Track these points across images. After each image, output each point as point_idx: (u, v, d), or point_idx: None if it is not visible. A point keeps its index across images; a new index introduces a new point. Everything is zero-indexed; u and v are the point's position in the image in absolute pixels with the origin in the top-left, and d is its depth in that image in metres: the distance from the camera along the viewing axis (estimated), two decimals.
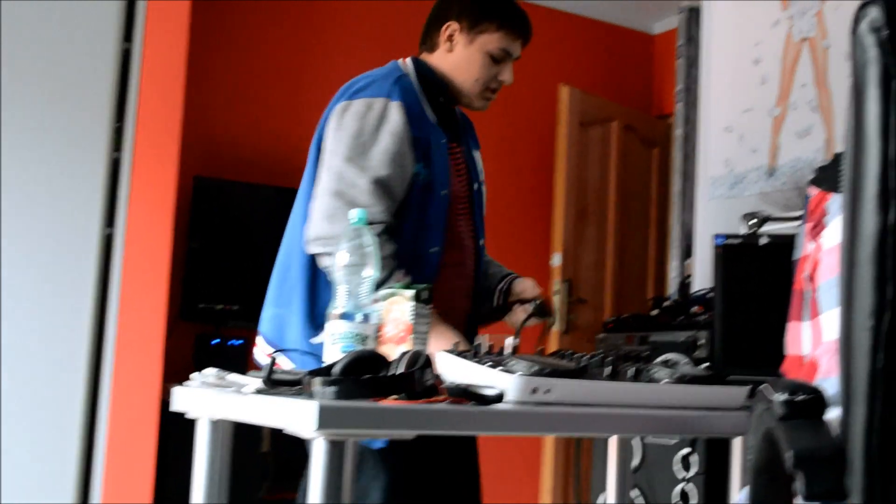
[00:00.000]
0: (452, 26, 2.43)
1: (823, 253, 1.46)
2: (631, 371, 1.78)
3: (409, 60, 2.47)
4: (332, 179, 2.25)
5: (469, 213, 2.47)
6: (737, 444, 2.28)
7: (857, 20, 0.98)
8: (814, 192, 1.57)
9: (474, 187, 2.49)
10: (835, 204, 1.48)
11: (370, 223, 2.19)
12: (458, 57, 2.43)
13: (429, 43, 2.49)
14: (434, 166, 2.33)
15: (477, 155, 2.56)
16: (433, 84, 2.42)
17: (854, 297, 0.99)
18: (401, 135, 2.27)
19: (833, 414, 1.09)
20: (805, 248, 1.58)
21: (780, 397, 1.11)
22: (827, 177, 1.53)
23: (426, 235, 2.32)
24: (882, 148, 0.95)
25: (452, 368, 1.73)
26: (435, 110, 2.41)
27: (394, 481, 2.25)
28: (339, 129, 2.30)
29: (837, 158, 1.52)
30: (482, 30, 2.41)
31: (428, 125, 2.36)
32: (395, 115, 2.28)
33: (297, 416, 1.40)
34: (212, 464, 1.85)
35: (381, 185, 2.24)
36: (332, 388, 1.44)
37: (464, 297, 2.47)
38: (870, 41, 0.96)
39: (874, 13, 0.96)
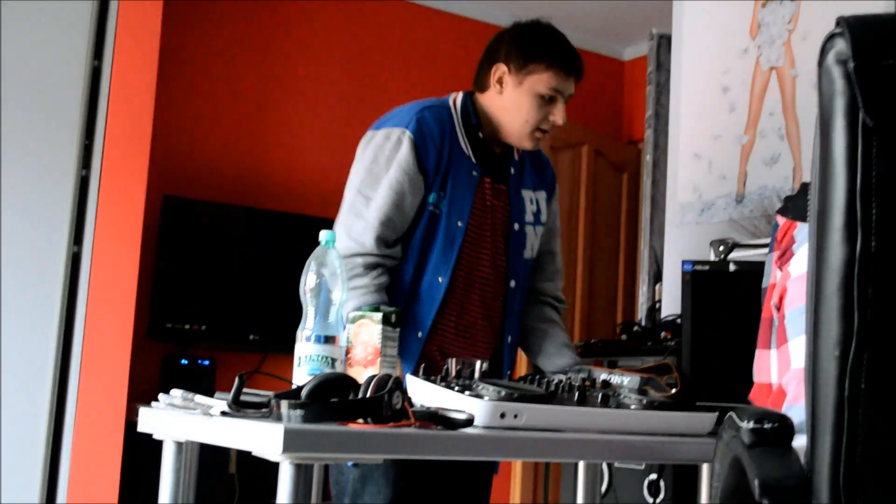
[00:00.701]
0: (501, 68, 2.41)
1: (791, 281, 1.47)
2: (599, 396, 1.78)
3: (461, 93, 2.49)
4: (344, 209, 2.37)
5: (492, 250, 2.44)
6: (705, 471, 2.29)
7: (823, 51, 0.99)
8: (781, 220, 1.58)
9: (514, 227, 2.48)
10: (802, 233, 1.49)
11: (363, 255, 2.26)
12: (508, 99, 2.41)
13: (479, 83, 2.47)
14: (451, 196, 2.35)
15: (531, 195, 2.53)
16: (471, 121, 2.43)
17: (820, 327, 1.00)
18: (407, 166, 2.31)
19: (800, 442, 1.10)
20: (773, 275, 1.59)
21: (748, 425, 1.12)
22: (794, 206, 1.54)
23: (433, 265, 2.34)
24: (849, 179, 0.96)
25: (422, 392, 1.73)
26: (473, 144, 2.42)
27: (398, 494, 2.25)
28: (359, 159, 2.41)
29: (805, 188, 1.53)
30: (530, 71, 2.39)
31: (457, 156, 2.38)
32: (406, 145, 2.32)
33: (263, 438, 1.39)
34: (177, 485, 1.84)
35: (383, 219, 2.29)
36: (298, 412, 1.43)
37: (484, 332, 2.46)
38: (837, 72, 0.97)
39: (841, 45, 0.97)
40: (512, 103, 2.40)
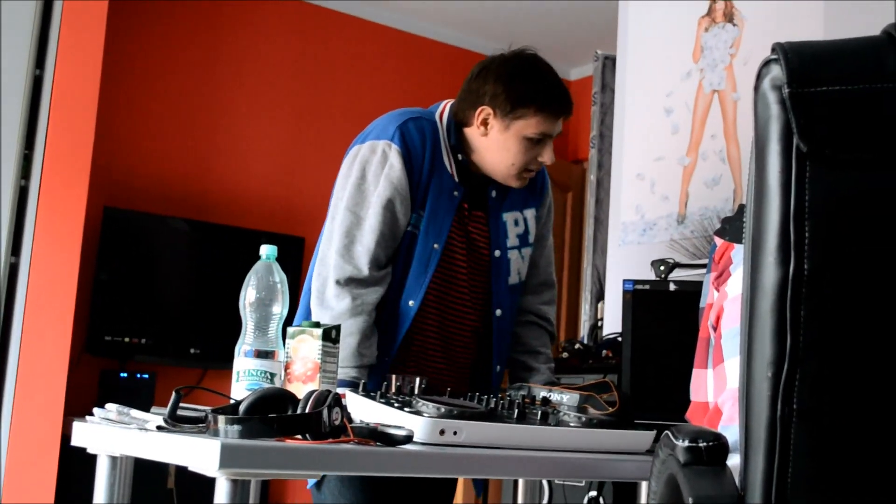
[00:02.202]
0: (486, 111, 2.29)
1: (728, 301, 1.49)
2: (539, 414, 1.79)
3: (448, 107, 2.38)
4: (335, 229, 2.27)
5: (469, 276, 2.37)
6: (643, 488, 2.30)
7: (759, 76, 1.00)
8: (719, 242, 1.60)
9: (494, 254, 2.39)
10: (738, 254, 1.51)
11: (360, 280, 2.21)
12: (494, 142, 2.30)
13: (462, 117, 2.34)
14: (429, 216, 2.28)
15: (516, 216, 2.43)
16: (454, 141, 2.34)
17: (754, 347, 1.01)
18: (398, 182, 2.25)
19: (735, 461, 1.11)
20: (710, 295, 1.61)
21: (683, 443, 1.13)
22: (732, 228, 1.56)
23: (406, 286, 2.28)
24: (782, 202, 0.97)
25: (361, 408, 1.72)
26: (456, 163, 2.34)
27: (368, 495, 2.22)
28: (345, 175, 2.32)
29: (742, 209, 1.56)
30: (519, 116, 2.26)
31: (439, 173, 2.30)
32: (393, 159, 2.25)
33: (199, 454, 1.38)
34: (111, 500, 1.81)
35: (379, 239, 2.23)
36: (236, 427, 1.42)
37: (464, 359, 2.42)
38: (772, 98, 0.99)
39: (776, 70, 0.99)
40: (498, 146, 2.29)
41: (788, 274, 0.97)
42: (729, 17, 3.62)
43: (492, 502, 4.59)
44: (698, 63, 3.70)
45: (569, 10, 5.40)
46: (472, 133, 2.33)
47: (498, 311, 2.41)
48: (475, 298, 2.40)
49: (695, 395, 1.67)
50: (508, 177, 2.34)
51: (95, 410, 1.76)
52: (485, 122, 2.30)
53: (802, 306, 0.97)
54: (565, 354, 3.57)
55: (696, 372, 1.67)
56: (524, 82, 2.28)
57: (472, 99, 2.32)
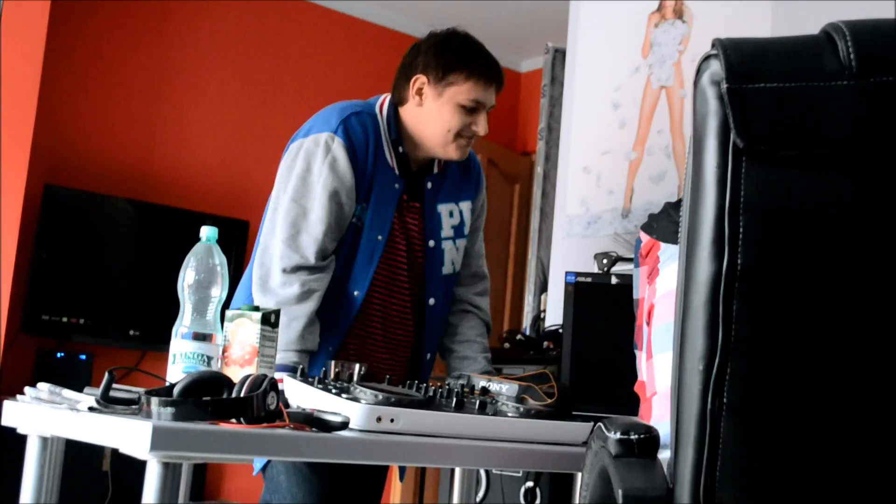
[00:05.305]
0: (420, 80, 2.35)
1: (658, 298, 1.50)
2: (477, 403, 1.79)
3: (388, 99, 2.42)
4: (278, 219, 2.27)
5: (408, 268, 2.40)
6: (580, 480, 2.32)
7: (699, 72, 1.01)
8: (644, 237, 1.61)
9: (429, 244, 2.43)
10: (666, 252, 1.52)
11: (309, 268, 2.22)
12: (429, 110, 2.35)
13: (398, 96, 2.41)
14: (373, 208, 2.31)
15: (451, 208, 2.47)
16: (395, 134, 2.38)
17: (686, 341, 1.02)
18: (342, 173, 2.26)
19: (665, 454, 1.12)
20: (642, 289, 1.62)
21: (615, 436, 1.14)
22: (658, 227, 1.57)
23: (351, 277, 2.30)
24: (718, 197, 0.98)
25: (298, 394, 1.72)
26: (396, 156, 2.37)
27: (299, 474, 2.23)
28: (289, 167, 2.32)
29: (667, 208, 1.57)
30: (450, 82, 2.33)
31: (381, 166, 2.33)
32: (338, 152, 2.27)
33: (130, 436, 1.36)
34: (41, 482, 1.78)
35: (326, 230, 2.24)
36: (169, 409, 1.40)
37: (405, 347, 2.44)
38: (710, 93, 0.99)
39: (715, 66, 0.99)
40: (432, 115, 2.35)
41: (722, 269, 0.98)
42: (679, 14, 3.65)
43: (428, 493, 4.60)
44: (647, 59, 3.72)
45: (521, 2, 5.41)
46: (409, 110, 2.39)
47: (431, 301, 2.44)
48: (412, 288, 2.43)
49: (639, 374, 1.69)
50: (447, 144, 2.37)
51: (27, 390, 1.73)
52: (419, 92, 2.36)
53: (735, 301, 0.98)
54: (507, 345, 3.58)
55: (637, 353, 1.69)
56: (454, 50, 2.37)
57: (406, 72, 2.39)
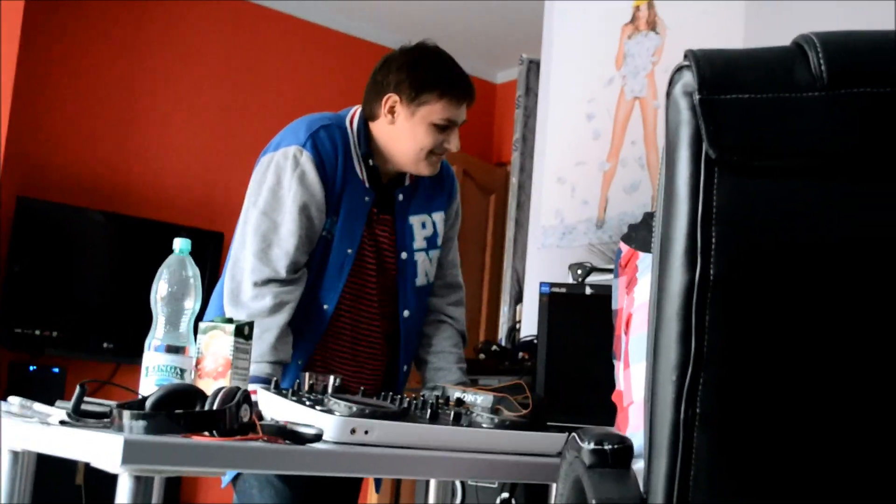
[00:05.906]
0: (392, 98, 2.34)
1: (635, 308, 1.50)
2: (452, 414, 1.79)
3: (358, 113, 2.41)
4: (248, 232, 2.27)
5: (377, 282, 2.40)
6: (555, 490, 2.31)
7: (672, 82, 1.01)
8: (624, 248, 1.62)
9: (401, 257, 2.42)
10: (644, 262, 1.53)
11: (279, 281, 2.21)
12: (401, 129, 2.34)
13: (369, 111, 2.39)
14: (343, 221, 2.31)
15: (423, 219, 2.47)
16: (365, 148, 2.37)
17: (660, 351, 1.02)
18: (312, 187, 2.26)
19: (641, 464, 1.12)
20: (621, 299, 1.63)
21: (589, 446, 1.14)
22: (637, 236, 1.58)
23: (321, 290, 2.30)
24: (690, 207, 0.98)
25: (272, 406, 1.71)
26: (367, 169, 2.37)
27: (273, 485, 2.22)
28: (259, 181, 2.31)
29: (647, 217, 1.58)
30: (423, 101, 2.32)
31: (351, 178, 2.33)
32: (307, 166, 2.27)
33: (102, 449, 1.35)
34: (12, 496, 1.76)
35: (297, 244, 2.24)
36: (141, 422, 1.39)
37: (374, 360, 2.44)
38: (683, 104, 1.00)
39: (687, 77, 1.00)
40: (405, 133, 2.34)
41: (694, 279, 0.98)
42: (652, 26, 3.67)
43: (405, 502, 4.58)
44: (621, 70, 3.74)
45: (496, 14, 5.42)
46: (380, 126, 2.38)
47: (405, 312, 2.44)
48: (383, 301, 2.43)
49: (617, 383, 1.69)
50: (418, 162, 2.37)
51: None
52: (392, 111, 2.35)
53: (707, 311, 0.98)
54: (482, 356, 3.58)
55: (616, 363, 1.69)
56: (427, 69, 2.35)
57: (377, 89, 2.37)
